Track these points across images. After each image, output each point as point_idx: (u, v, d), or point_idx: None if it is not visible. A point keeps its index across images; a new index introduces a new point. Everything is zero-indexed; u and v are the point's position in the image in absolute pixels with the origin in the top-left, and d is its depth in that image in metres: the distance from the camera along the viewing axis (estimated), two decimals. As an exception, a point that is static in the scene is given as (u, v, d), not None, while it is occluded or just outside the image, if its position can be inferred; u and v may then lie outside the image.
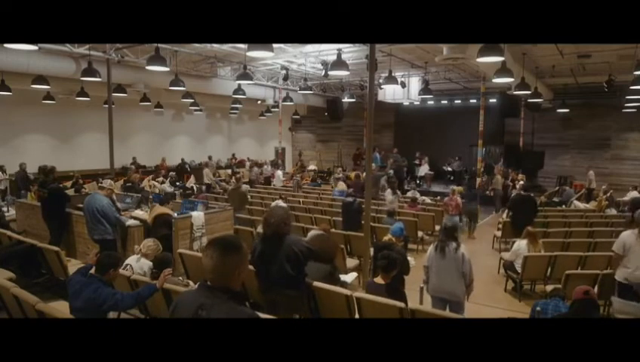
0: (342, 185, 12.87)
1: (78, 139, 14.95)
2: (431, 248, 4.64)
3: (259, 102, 17.89)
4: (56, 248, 5.39)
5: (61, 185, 7.86)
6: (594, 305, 3.58)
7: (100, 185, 6.67)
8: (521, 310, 5.69)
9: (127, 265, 4.39)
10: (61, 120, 14.14)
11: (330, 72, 10.02)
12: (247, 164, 18.80)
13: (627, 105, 14.60)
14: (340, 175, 15.34)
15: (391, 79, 11.06)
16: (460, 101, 17.65)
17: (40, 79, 10.22)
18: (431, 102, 17.47)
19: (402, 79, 13.88)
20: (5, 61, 9.12)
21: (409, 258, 4.96)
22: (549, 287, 5.14)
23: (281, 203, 8.94)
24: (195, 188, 13.14)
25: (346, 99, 16.48)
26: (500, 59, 7.21)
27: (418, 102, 16.30)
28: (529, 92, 11.10)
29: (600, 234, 7.80)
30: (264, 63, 13.40)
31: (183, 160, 17.21)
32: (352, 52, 10.83)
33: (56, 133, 14.33)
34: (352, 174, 14.20)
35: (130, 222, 6.19)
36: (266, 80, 15.22)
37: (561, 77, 14.00)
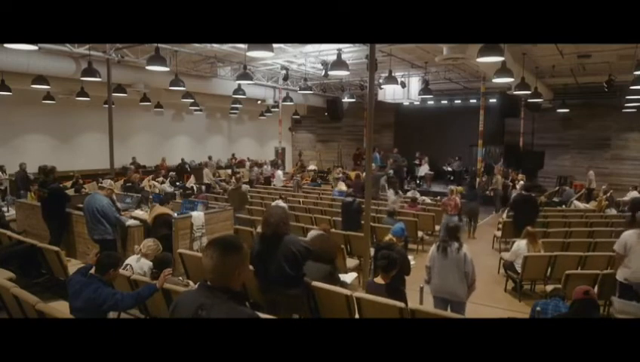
0: (342, 185, 12.88)
1: (78, 139, 14.94)
2: (433, 248, 4.62)
3: (259, 102, 17.89)
4: (56, 248, 5.39)
5: (61, 185, 7.85)
6: (594, 305, 3.58)
7: (99, 185, 6.66)
8: (521, 310, 5.68)
9: (127, 265, 4.39)
10: (61, 120, 14.14)
11: (330, 72, 10.02)
12: (247, 164, 18.80)
13: (627, 105, 14.59)
14: (340, 175, 15.35)
15: (391, 79, 11.06)
16: (459, 101, 17.64)
17: (40, 79, 10.22)
18: (431, 102, 17.46)
19: (402, 79, 13.87)
20: (5, 61, 9.12)
21: (409, 258, 4.95)
22: (549, 287, 5.14)
23: (280, 203, 8.95)
24: (195, 188, 13.16)
25: (346, 99, 16.47)
26: (499, 59, 7.21)
27: (418, 102, 16.29)
28: (529, 92, 11.10)
29: (600, 234, 7.80)
30: (264, 63, 13.40)
31: (183, 160, 17.21)
32: (352, 52, 10.83)
33: (56, 133, 14.33)
34: (352, 174, 14.21)
35: (130, 222, 6.19)
36: (266, 80, 15.21)
37: (561, 77, 14.00)
